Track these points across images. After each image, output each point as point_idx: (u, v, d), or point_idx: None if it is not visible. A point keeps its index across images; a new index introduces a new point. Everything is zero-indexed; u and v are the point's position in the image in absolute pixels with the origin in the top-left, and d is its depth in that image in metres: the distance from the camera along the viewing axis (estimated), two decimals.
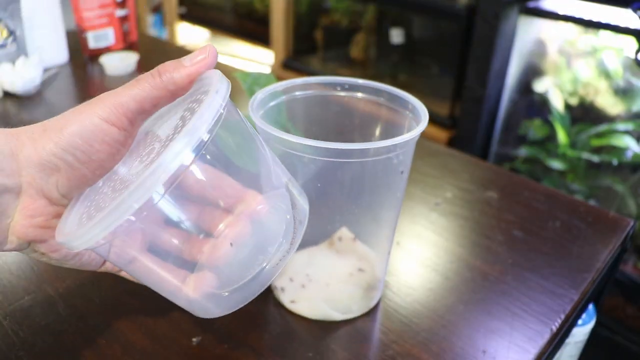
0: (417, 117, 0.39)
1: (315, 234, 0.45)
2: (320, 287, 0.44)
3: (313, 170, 0.38)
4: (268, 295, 0.45)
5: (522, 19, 1.30)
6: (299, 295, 0.44)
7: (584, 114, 1.33)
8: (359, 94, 0.44)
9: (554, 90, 1.35)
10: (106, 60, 0.95)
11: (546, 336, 0.42)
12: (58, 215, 0.30)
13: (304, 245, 0.45)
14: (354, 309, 0.44)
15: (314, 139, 0.34)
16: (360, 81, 0.44)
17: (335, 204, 0.42)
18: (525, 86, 1.41)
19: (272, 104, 0.42)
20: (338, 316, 0.43)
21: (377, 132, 0.45)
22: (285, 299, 0.44)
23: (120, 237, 0.27)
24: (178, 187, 0.26)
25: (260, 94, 0.40)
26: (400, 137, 0.35)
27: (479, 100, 1.36)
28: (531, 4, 1.27)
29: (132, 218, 0.25)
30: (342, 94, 0.44)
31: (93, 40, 1.02)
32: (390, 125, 0.44)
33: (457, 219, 0.57)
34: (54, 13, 0.94)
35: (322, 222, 0.44)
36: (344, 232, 0.45)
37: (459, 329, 0.43)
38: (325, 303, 0.43)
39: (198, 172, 0.27)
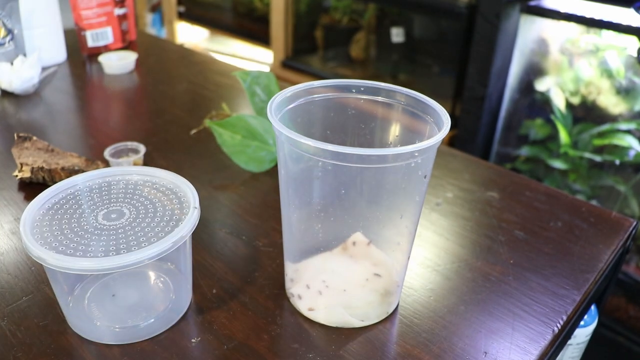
0: (438, 121, 0.38)
1: (329, 239, 0.43)
2: (338, 293, 0.42)
3: (330, 174, 0.37)
4: (270, 295, 0.45)
5: (524, 17, 1.29)
6: (316, 302, 0.43)
7: (586, 114, 1.33)
8: (379, 98, 0.43)
9: (555, 89, 1.35)
10: (105, 59, 0.95)
11: (548, 337, 0.42)
12: None
13: (317, 251, 0.44)
14: (372, 316, 0.43)
15: (330, 142, 0.33)
16: (381, 84, 0.43)
17: (352, 209, 0.41)
18: (526, 85, 1.40)
19: (289, 107, 0.41)
20: (356, 322, 0.42)
21: (397, 136, 0.44)
22: (303, 306, 0.43)
23: None
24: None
25: (278, 97, 0.39)
26: (420, 143, 0.34)
27: (480, 99, 1.35)
28: (533, 3, 1.27)
29: None
30: (360, 96, 0.43)
31: (91, 39, 1.02)
32: (409, 130, 0.43)
33: (458, 219, 0.57)
34: (52, 12, 0.94)
35: (336, 227, 0.43)
36: (358, 236, 0.44)
37: (460, 330, 0.42)
38: (343, 309, 0.42)
39: None
